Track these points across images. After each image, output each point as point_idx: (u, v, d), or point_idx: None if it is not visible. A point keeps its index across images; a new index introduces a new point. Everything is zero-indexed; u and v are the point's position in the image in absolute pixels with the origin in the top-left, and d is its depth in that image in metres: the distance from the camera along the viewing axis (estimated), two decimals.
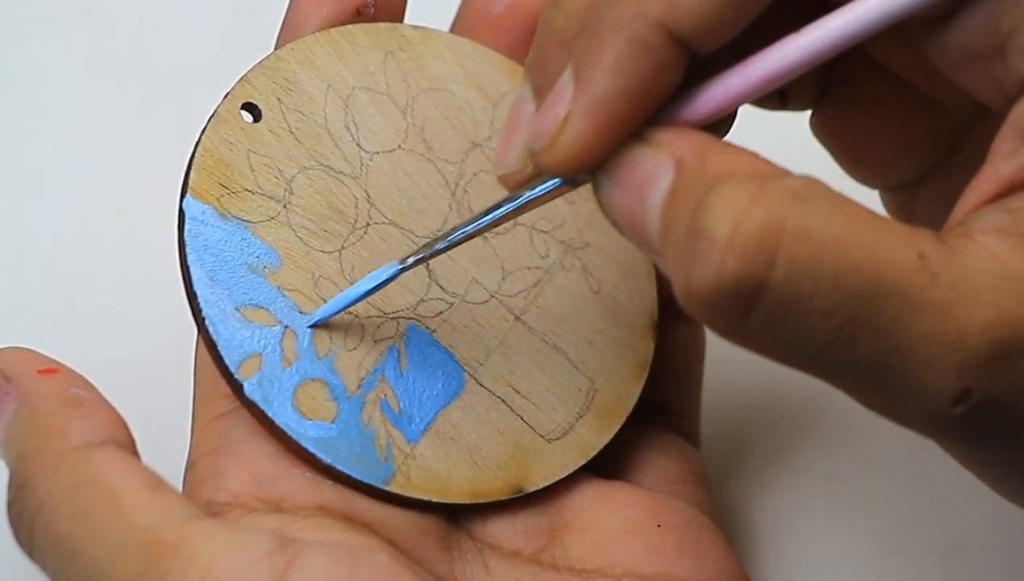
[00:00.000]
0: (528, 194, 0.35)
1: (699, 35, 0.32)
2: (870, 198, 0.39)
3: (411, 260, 0.37)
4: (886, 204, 0.40)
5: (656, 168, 0.32)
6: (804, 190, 0.30)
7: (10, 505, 0.35)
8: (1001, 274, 0.31)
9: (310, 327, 0.38)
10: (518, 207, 0.36)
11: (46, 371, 0.36)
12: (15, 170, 0.52)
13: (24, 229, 0.51)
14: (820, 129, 0.40)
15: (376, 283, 0.37)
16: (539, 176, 0.35)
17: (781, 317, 0.30)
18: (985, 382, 0.31)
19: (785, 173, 0.31)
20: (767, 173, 0.31)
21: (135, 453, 0.35)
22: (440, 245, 0.37)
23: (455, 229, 0.37)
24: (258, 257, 0.38)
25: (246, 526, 0.34)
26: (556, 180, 0.35)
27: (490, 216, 0.36)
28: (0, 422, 0.36)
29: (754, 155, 0.32)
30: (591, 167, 0.33)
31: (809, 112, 0.40)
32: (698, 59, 0.33)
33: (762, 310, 0.30)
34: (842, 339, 0.30)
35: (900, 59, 0.37)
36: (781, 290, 0.30)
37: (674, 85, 0.33)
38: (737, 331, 0.31)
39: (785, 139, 0.40)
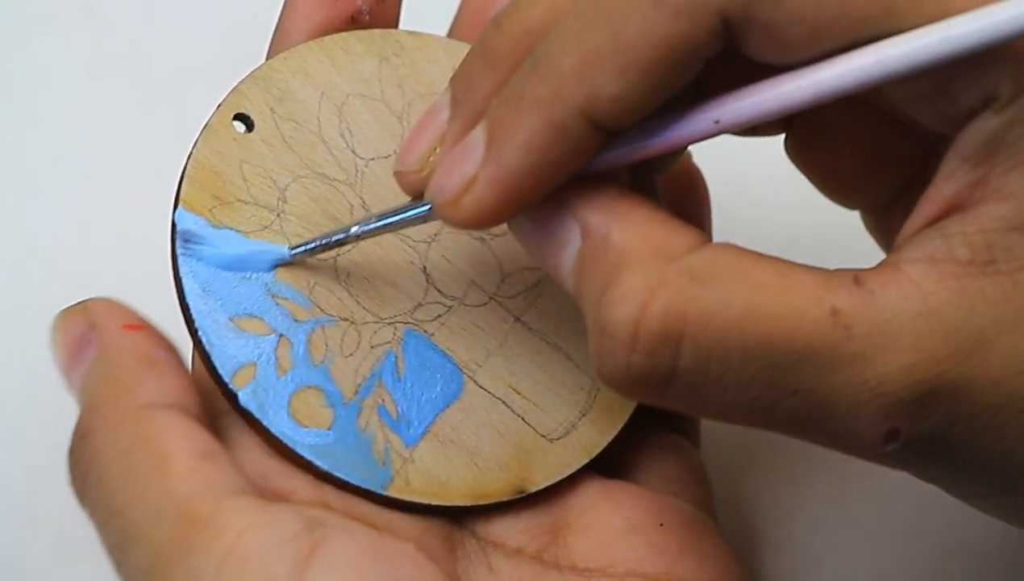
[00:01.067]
0: (418, 209, 0.36)
1: (618, 119, 0.33)
2: (851, 218, 0.40)
3: (296, 250, 0.38)
4: (866, 224, 0.41)
5: (565, 231, 0.33)
6: (704, 270, 0.31)
7: (71, 452, 0.35)
8: (924, 311, 0.31)
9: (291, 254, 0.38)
10: (414, 218, 0.36)
11: (132, 326, 0.36)
12: (15, 170, 0.52)
13: (24, 229, 0.51)
14: (793, 154, 0.40)
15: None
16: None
17: (697, 394, 0.32)
18: (912, 422, 0.32)
19: (688, 246, 0.32)
20: (667, 251, 0.32)
21: (202, 419, 0.36)
22: (324, 241, 0.38)
23: (349, 228, 0.37)
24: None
25: (277, 507, 0.34)
26: None
27: (381, 222, 0.37)
28: (80, 369, 0.36)
29: (660, 220, 0.32)
30: (491, 227, 0.34)
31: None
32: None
33: (677, 392, 0.32)
34: (763, 405, 0.31)
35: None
36: (691, 375, 0.31)
37: (586, 163, 0.33)
38: (660, 403, 0.32)
39: (777, 149, 0.39)
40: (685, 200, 0.44)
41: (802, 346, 0.31)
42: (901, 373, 0.31)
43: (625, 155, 0.34)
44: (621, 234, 0.32)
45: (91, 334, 0.36)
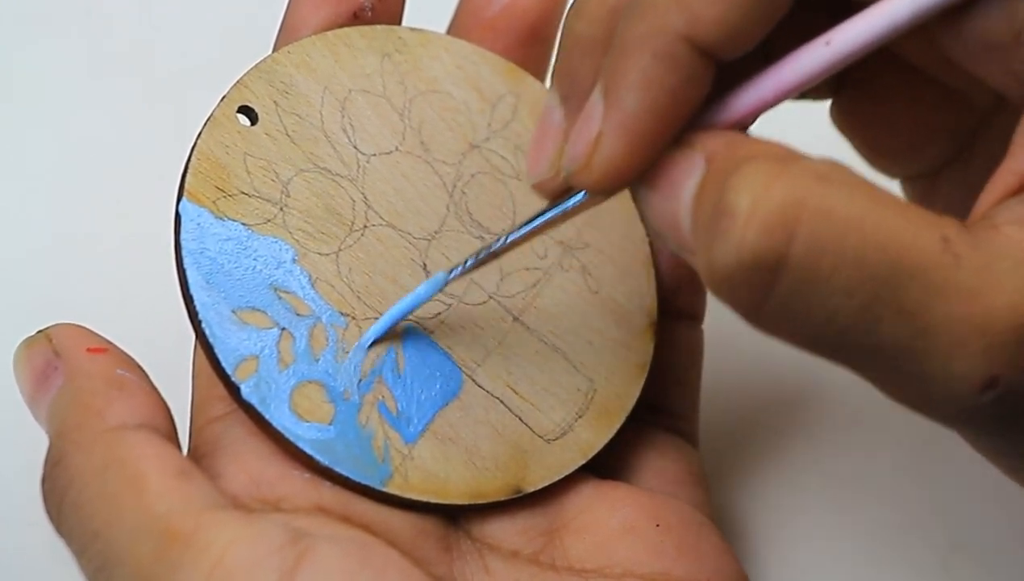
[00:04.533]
0: (566, 205, 0.35)
1: (723, 44, 0.32)
2: (891, 188, 0.39)
3: (455, 273, 0.38)
4: (907, 194, 0.40)
5: (689, 165, 0.32)
6: (826, 171, 0.30)
7: (44, 480, 0.35)
8: None
9: (368, 348, 0.38)
10: (558, 216, 0.36)
11: (96, 350, 0.36)
12: (15, 170, 0.52)
13: (24, 228, 0.51)
14: (839, 120, 0.40)
15: (425, 297, 0.38)
16: (573, 186, 0.35)
17: (803, 295, 0.30)
18: (1012, 370, 0.31)
19: (809, 157, 0.31)
20: (791, 157, 0.31)
21: (173, 439, 0.36)
22: (484, 253, 0.37)
23: (497, 240, 0.37)
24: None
25: (261, 519, 0.34)
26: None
27: (532, 225, 0.36)
28: (46, 397, 0.36)
29: (781, 145, 0.32)
30: (627, 183, 0.33)
31: (828, 102, 0.40)
32: (724, 66, 0.33)
33: (783, 287, 0.30)
34: (865, 320, 0.30)
35: (917, 50, 0.37)
36: (802, 266, 0.30)
37: (703, 95, 0.33)
38: (761, 312, 0.31)
39: (805, 129, 0.39)
40: None
41: (913, 264, 0.30)
42: (1008, 310, 0.30)
43: (739, 106, 0.33)
44: (745, 148, 0.32)
45: (56, 361, 0.36)
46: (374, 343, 0.38)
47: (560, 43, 0.35)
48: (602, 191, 0.34)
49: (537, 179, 0.36)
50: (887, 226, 0.30)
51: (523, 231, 0.36)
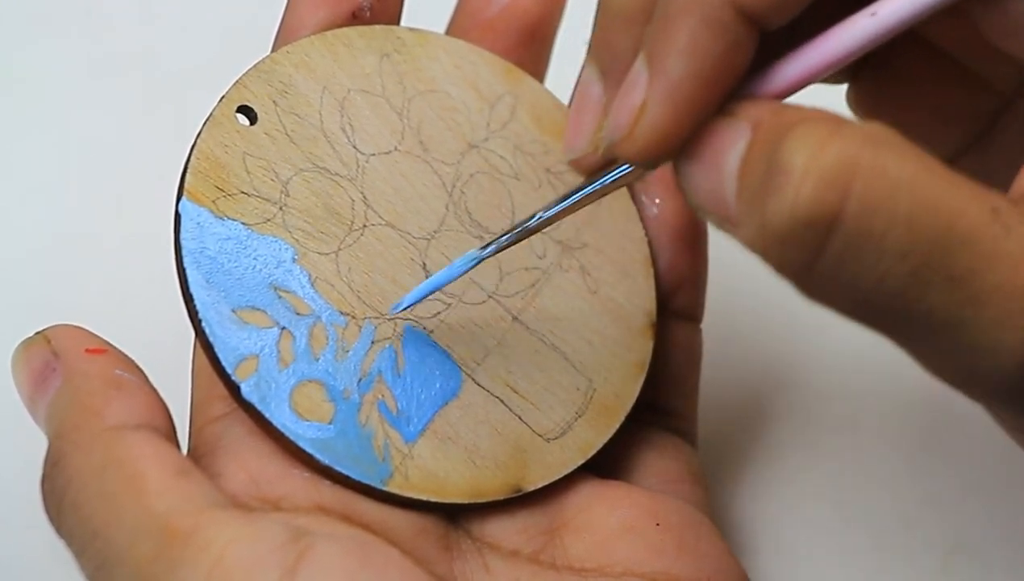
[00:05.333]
0: (604, 179, 0.35)
1: (768, 11, 0.32)
2: None
3: (488, 250, 0.38)
4: None
5: (733, 133, 0.32)
6: (880, 134, 0.30)
7: (43, 480, 0.35)
8: None
9: (394, 313, 0.38)
10: (595, 191, 0.36)
11: (94, 351, 0.36)
12: (15, 170, 0.53)
13: (24, 228, 0.51)
14: (857, 103, 0.40)
15: (459, 271, 0.38)
16: (612, 161, 0.35)
17: (855, 255, 0.30)
18: None
19: (859, 122, 0.31)
20: (842, 121, 0.31)
21: (172, 438, 0.36)
22: (519, 229, 0.37)
23: (532, 216, 0.37)
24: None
25: (261, 518, 0.34)
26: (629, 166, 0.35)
27: (568, 201, 0.36)
28: (45, 398, 0.36)
29: (828, 112, 0.32)
30: (672, 153, 0.33)
31: (845, 87, 0.40)
32: (766, 36, 0.33)
33: (836, 246, 0.30)
34: (916, 285, 0.30)
35: (943, 31, 0.37)
36: (855, 224, 0.30)
37: (747, 64, 0.33)
38: (812, 271, 0.31)
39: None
40: None
41: (964, 230, 0.30)
42: None
43: (782, 77, 0.33)
44: (793, 114, 0.31)
45: (54, 361, 0.36)
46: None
47: (598, 17, 0.35)
48: (646, 161, 0.33)
49: (575, 154, 0.36)
50: (939, 191, 0.30)
51: (560, 207, 0.36)
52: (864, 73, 0.39)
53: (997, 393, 0.32)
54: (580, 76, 0.36)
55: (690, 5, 0.32)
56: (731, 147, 0.32)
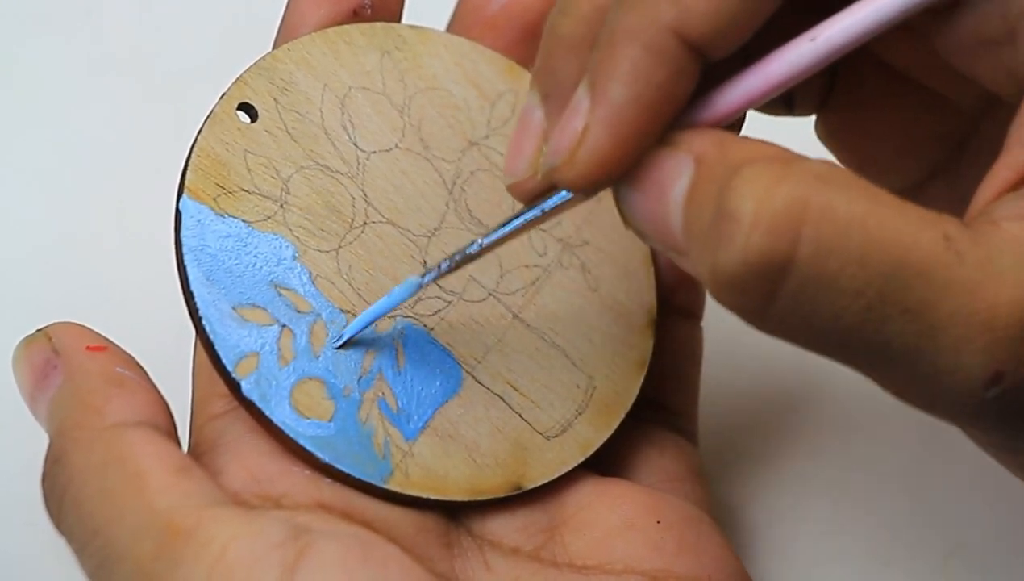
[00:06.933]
0: (545, 205, 0.35)
1: (712, 40, 0.32)
2: None
3: (428, 277, 0.37)
4: None
5: (676, 165, 0.32)
6: (827, 173, 0.30)
7: (44, 478, 0.35)
8: None
9: (337, 349, 0.38)
10: (534, 219, 0.35)
11: (95, 348, 0.36)
12: (15, 169, 0.53)
13: (24, 228, 0.51)
14: (825, 134, 0.40)
15: (399, 299, 0.38)
16: (553, 187, 0.35)
17: (809, 296, 0.30)
18: (1017, 364, 0.31)
19: (806, 158, 0.31)
20: (789, 158, 0.31)
21: (173, 436, 0.36)
22: (458, 257, 0.37)
23: (471, 243, 0.37)
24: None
25: (262, 515, 0.34)
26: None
27: (508, 228, 0.36)
28: (46, 395, 0.36)
29: (772, 144, 0.32)
30: (612, 180, 0.33)
31: (813, 118, 0.40)
32: (710, 65, 0.33)
33: (790, 289, 0.30)
34: (872, 320, 0.30)
35: (905, 55, 0.37)
36: (808, 267, 0.30)
37: (689, 91, 0.33)
38: (766, 314, 0.31)
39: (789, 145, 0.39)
40: None
41: (917, 262, 0.30)
42: (1011, 305, 0.30)
43: (723, 103, 0.33)
44: (739, 150, 0.31)
45: (55, 359, 0.36)
46: (348, 343, 0.38)
47: (543, 43, 0.35)
48: (585, 188, 0.33)
49: (514, 179, 0.35)
50: (890, 225, 0.30)
51: (497, 235, 0.36)
52: (830, 103, 0.39)
53: (962, 414, 0.32)
54: (524, 102, 0.36)
55: (633, 32, 0.32)
56: (675, 180, 0.32)
